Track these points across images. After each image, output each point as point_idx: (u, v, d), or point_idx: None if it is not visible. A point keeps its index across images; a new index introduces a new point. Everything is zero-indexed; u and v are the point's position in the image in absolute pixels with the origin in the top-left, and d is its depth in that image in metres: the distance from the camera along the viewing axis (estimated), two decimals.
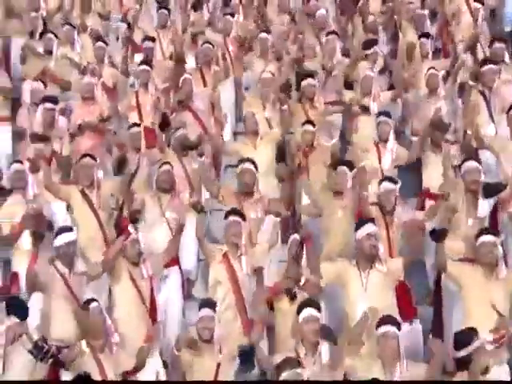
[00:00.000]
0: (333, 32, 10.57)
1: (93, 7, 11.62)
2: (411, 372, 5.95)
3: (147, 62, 9.93)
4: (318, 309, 6.25)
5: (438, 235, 6.59)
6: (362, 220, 6.91)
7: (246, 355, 6.43)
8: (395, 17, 11.02)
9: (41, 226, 7.57)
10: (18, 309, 6.23)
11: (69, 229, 7.11)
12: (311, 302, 6.32)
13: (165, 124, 9.16)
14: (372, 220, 6.80)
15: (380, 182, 7.62)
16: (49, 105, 9.05)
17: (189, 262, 8.16)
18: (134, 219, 7.55)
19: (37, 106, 9.20)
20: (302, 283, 6.86)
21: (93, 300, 6.53)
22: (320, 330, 6.17)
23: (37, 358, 6.00)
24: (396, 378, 5.92)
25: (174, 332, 7.35)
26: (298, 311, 6.25)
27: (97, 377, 6.17)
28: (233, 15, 11.09)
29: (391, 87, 9.91)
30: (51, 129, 8.99)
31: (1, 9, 11.33)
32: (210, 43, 10.33)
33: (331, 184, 7.83)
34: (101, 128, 9.24)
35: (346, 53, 10.54)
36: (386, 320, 6.06)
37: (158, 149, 8.80)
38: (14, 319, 6.14)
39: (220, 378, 6.34)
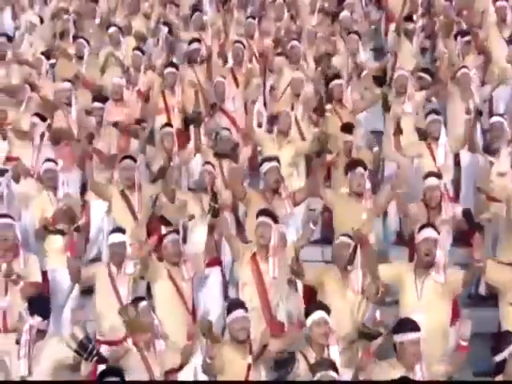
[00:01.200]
0: (355, 32, 10.65)
1: (140, 9, 11.74)
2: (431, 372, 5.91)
3: (174, 64, 10.01)
4: (328, 312, 6.18)
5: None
6: (423, 224, 6.80)
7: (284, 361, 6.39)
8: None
9: (73, 222, 7.74)
10: (41, 308, 6.26)
11: (121, 229, 7.18)
12: (321, 305, 6.27)
13: (199, 124, 9.20)
14: (432, 225, 6.71)
15: (425, 178, 7.61)
16: (98, 104, 9.16)
17: (226, 262, 8.18)
18: (167, 222, 7.58)
19: (68, 106, 9.34)
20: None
21: (142, 298, 6.57)
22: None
23: (82, 358, 6.00)
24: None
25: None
26: (308, 314, 6.19)
27: (143, 374, 6.20)
28: (254, 18, 11.13)
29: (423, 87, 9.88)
30: (98, 128, 9.11)
31: None
32: (241, 42, 10.40)
33: (353, 187, 7.75)
34: (131, 129, 9.34)
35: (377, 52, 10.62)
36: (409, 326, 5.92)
37: (194, 148, 8.87)
38: (37, 318, 6.15)
39: (251, 379, 6.27)
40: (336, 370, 5.67)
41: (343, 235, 6.91)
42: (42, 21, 11.74)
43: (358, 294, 6.67)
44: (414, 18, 10.88)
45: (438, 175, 7.63)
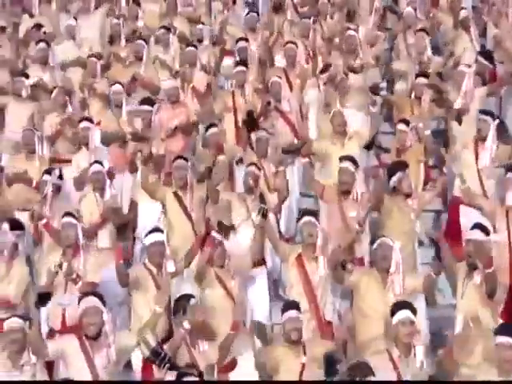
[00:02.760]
0: (423, 29, 10.46)
1: (179, 9, 11.77)
2: None
3: (244, 63, 9.94)
4: (414, 311, 6.13)
5: None
6: (476, 223, 6.80)
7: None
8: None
9: (121, 222, 7.90)
10: None
11: (158, 229, 7.22)
12: (406, 304, 6.20)
13: (253, 124, 9.21)
14: (484, 228, 6.67)
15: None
16: (146, 107, 9.23)
17: (274, 263, 8.16)
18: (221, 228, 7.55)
19: (119, 108, 9.45)
20: None
21: (191, 296, 6.60)
22: None
23: (155, 364, 6.13)
24: None
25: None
26: (393, 313, 6.15)
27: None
28: (309, 18, 11.01)
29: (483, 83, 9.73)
30: (148, 130, 9.19)
31: None
32: (294, 43, 10.32)
33: (403, 188, 7.70)
34: (189, 131, 9.36)
35: (435, 50, 10.45)
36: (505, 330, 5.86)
37: (240, 147, 8.88)
38: None
39: (304, 379, 6.29)
40: (373, 373, 5.63)
41: (384, 237, 6.87)
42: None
43: (399, 296, 6.60)
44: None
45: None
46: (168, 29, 10.96)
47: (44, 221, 7.84)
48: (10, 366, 6.07)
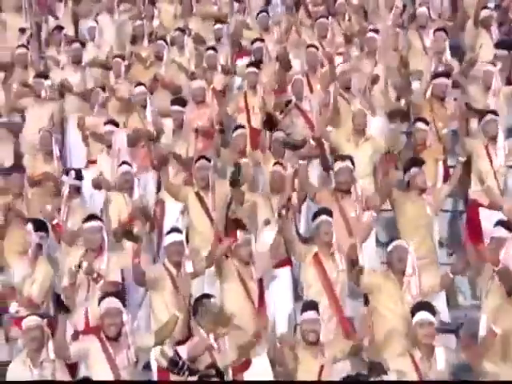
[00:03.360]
0: (442, 29, 10.30)
1: (194, 9, 11.79)
2: None
3: (255, 63, 9.96)
4: (433, 312, 6.15)
5: None
6: (498, 221, 6.83)
7: None
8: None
9: (148, 221, 7.96)
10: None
11: (177, 229, 7.26)
12: (426, 305, 6.21)
13: (272, 125, 9.22)
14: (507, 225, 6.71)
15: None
16: (177, 107, 9.29)
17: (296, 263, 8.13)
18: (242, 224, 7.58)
19: (143, 109, 9.51)
20: None
21: (211, 295, 6.66)
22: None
23: (175, 373, 6.22)
24: None
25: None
26: (413, 314, 6.16)
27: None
28: (327, 17, 10.94)
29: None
30: (178, 131, 9.26)
31: None
32: (315, 46, 10.26)
33: (418, 183, 7.72)
34: (212, 131, 9.41)
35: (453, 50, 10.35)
36: None
37: (259, 149, 8.89)
38: None
39: (323, 379, 6.32)
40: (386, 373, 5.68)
41: (399, 239, 6.90)
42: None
43: (416, 298, 6.60)
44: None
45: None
46: (183, 30, 11.01)
47: (55, 221, 7.94)
48: (30, 363, 6.22)
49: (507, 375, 5.86)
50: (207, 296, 6.61)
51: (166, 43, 10.76)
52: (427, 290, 6.77)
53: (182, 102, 9.38)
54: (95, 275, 7.00)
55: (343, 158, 7.84)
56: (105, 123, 9.22)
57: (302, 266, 7.17)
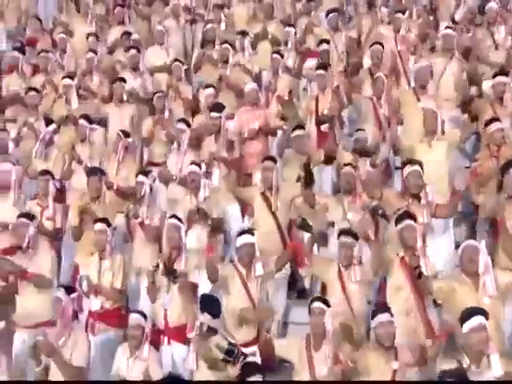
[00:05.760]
0: None
1: (275, 13, 11.90)
2: None
3: (324, 66, 9.88)
4: (487, 317, 5.93)
5: None
6: None
7: None
8: None
9: (205, 221, 8.02)
10: (212, 306, 6.54)
11: (250, 231, 7.27)
12: (479, 310, 6.00)
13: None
14: None
15: None
16: (215, 114, 9.33)
17: None
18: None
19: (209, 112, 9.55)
20: None
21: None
22: None
23: (230, 363, 6.32)
24: None
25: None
26: (465, 319, 5.90)
27: None
28: (403, 12, 10.95)
29: None
30: (218, 136, 9.30)
31: None
32: (380, 43, 10.21)
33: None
34: (269, 133, 9.46)
35: None
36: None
37: (328, 149, 8.83)
38: (208, 316, 6.43)
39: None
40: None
41: (470, 239, 6.78)
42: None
43: (494, 298, 6.46)
44: None
45: None
46: (243, 33, 11.13)
47: (139, 219, 8.09)
48: (129, 355, 6.81)
49: None
50: None
51: (233, 47, 10.86)
52: (504, 288, 6.56)
53: (220, 108, 9.38)
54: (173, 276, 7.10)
55: (413, 162, 7.70)
56: (178, 121, 9.38)
57: (390, 271, 6.97)
